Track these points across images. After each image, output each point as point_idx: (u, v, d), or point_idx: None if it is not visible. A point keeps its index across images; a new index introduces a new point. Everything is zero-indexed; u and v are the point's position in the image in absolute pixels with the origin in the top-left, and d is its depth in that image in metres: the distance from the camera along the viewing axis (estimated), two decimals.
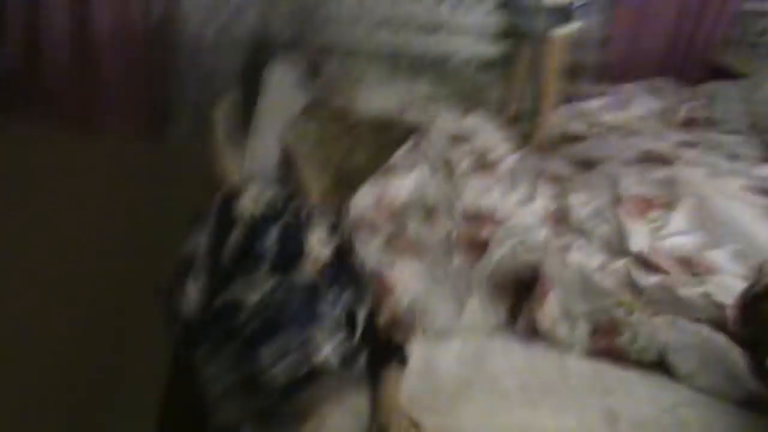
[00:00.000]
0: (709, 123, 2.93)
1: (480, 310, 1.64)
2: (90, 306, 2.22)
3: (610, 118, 2.86)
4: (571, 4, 2.48)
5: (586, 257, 1.79)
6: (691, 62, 3.45)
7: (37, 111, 3.29)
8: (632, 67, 3.37)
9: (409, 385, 1.37)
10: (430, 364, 1.50)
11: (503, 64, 2.93)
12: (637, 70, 3.34)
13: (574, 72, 3.47)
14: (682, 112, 2.93)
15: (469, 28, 3.16)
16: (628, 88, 3.13)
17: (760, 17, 3.56)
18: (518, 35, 2.73)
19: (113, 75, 3.27)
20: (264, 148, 2.23)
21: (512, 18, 2.69)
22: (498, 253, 1.74)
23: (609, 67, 3.38)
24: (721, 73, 3.31)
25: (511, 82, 2.84)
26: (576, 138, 2.68)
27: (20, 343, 2.05)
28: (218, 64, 3.30)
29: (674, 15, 3.40)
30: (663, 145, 2.63)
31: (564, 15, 2.48)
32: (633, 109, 2.97)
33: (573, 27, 2.54)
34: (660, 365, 1.56)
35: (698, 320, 1.61)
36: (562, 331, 1.55)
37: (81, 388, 1.95)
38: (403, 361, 1.39)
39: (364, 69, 3.12)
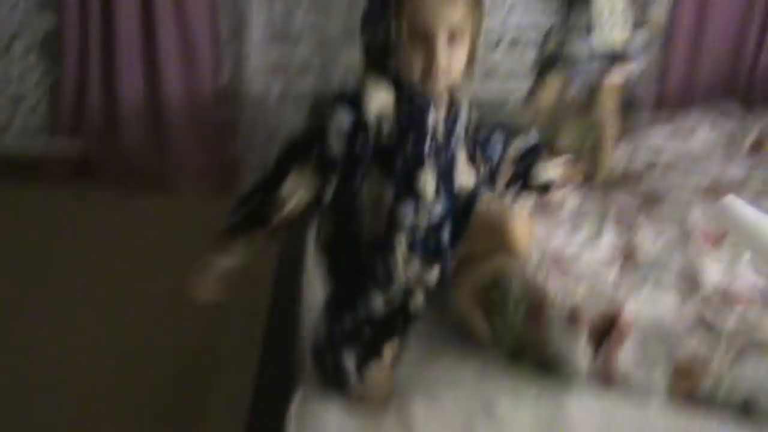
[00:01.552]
0: None
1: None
2: (161, 368, 2.30)
3: (673, 148, 2.83)
4: (627, 45, 2.48)
5: (659, 296, 1.77)
6: (753, 85, 3.40)
7: (113, 175, 3.47)
8: (692, 95, 3.34)
9: None
10: None
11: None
12: (698, 98, 3.31)
13: (632, 104, 3.47)
14: (750, 137, 2.88)
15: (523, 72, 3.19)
16: (690, 115, 3.10)
17: None
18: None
19: (184, 136, 3.43)
20: None
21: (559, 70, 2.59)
22: (569, 300, 1.74)
23: (668, 96, 3.36)
24: None
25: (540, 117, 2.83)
26: (639, 172, 2.66)
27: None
28: (283, 122, 3.42)
29: (733, 39, 3.37)
30: (732, 172, 2.60)
31: (620, 57, 2.49)
32: (697, 137, 2.93)
33: (630, 69, 2.54)
34: (747, 411, 1.54)
35: None
36: (639, 376, 1.54)
37: None
38: None
39: None
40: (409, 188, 1.41)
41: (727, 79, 3.37)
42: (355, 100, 1.33)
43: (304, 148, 1.39)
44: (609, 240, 2.11)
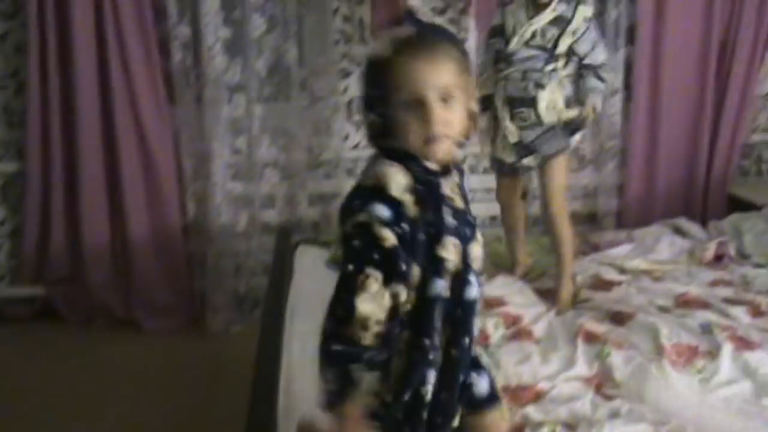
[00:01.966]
0: (740, 257, 2.93)
1: None
2: None
3: (637, 263, 2.86)
4: (578, 117, 2.61)
5: (634, 424, 1.75)
6: (709, 197, 3.51)
7: (80, 314, 3.41)
8: (652, 210, 3.43)
9: None
10: None
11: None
12: (657, 212, 3.39)
13: (594, 221, 3.55)
14: (711, 250, 2.94)
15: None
16: (651, 230, 3.16)
17: (766, 148, 3.66)
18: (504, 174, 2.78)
19: (150, 274, 3.40)
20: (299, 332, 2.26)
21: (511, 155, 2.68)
22: None
23: (628, 212, 3.44)
24: (741, 205, 3.35)
25: (509, 235, 2.89)
26: (606, 288, 2.68)
27: None
28: (250, 253, 3.42)
29: (687, 153, 3.50)
30: (696, 287, 2.63)
31: (570, 130, 2.61)
32: (659, 251, 2.98)
33: (577, 138, 2.67)
34: None
35: None
36: None
37: None
38: None
39: None
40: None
41: (683, 195, 3.47)
42: (379, 191, 1.31)
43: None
44: (583, 365, 2.09)
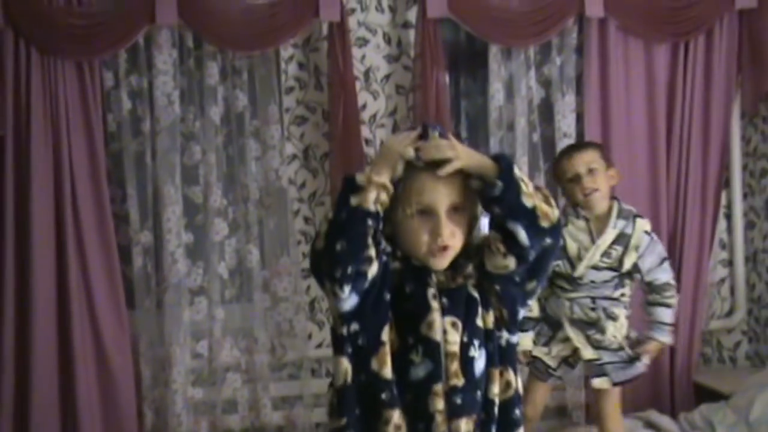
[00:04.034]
0: None
1: None
2: None
3: None
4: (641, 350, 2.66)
5: None
6: (675, 387, 3.49)
7: None
8: (621, 402, 3.39)
9: None
10: None
11: None
12: (627, 404, 3.35)
13: (564, 414, 3.49)
14: None
15: None
16: (625, 425, 3.10)
17: (728, 333, 3.71)
18: None
19: None
20: None
21: None
22: None
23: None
24: (707, 393, 3.34)
25: None
26: None
27: None
28: None
29: None
30: None
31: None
32: None
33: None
34: None
35: None
36: None
37: None
38: None
39: None
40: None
41: (650, 386, 3.45)
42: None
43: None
44: None
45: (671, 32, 3.43)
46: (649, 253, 2.59)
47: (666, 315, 2.62)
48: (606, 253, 2.56)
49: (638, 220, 2.60)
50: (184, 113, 3.28)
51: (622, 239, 2.56)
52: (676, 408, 3.40)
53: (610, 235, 2.56)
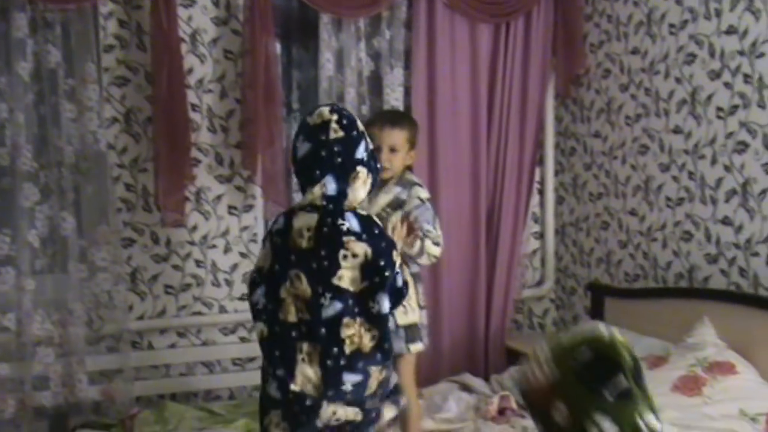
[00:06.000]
0: (522, 409, 3.08)
1: None
2: None
3: (428, 425, 2.92)
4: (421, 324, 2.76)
5: None
6: (489, 352, 3.71)
7: None
8: (439, 367, 3.55)
9: None
10: None
11: None
12: (444, 369, 3.52)
13: None
14: (494, 404, 3.06)
15: None
16: (439, 389, 3.26)
17: (538, 301, 3.98)
18: None
19: None
20: None
21: None
22: None
23: (417, 370, 3.53)
24: (518, 357, 3.56)
25: None
26: None
27: None
28: None
29: (467, 312, 3.70)
30: None
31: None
32: (448, 409, 3.07)
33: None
34: None
35: None
36: None
37: None
38: None
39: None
40: None
41: (466, 351, 3.64)
42: None
43: None
44: None
45: (493, 12, 3.58)
46: (420, 214, 2.67)
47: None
48: (378, 216, 2.68)
49: (416, 187, 2.72)
50: None
51: (395, 203, 2.69)
52: (489, 371, 3.61)
53: (383, 199, 2.68)
